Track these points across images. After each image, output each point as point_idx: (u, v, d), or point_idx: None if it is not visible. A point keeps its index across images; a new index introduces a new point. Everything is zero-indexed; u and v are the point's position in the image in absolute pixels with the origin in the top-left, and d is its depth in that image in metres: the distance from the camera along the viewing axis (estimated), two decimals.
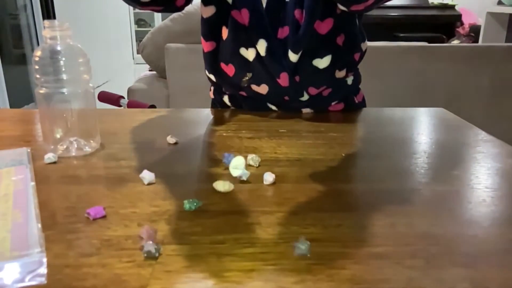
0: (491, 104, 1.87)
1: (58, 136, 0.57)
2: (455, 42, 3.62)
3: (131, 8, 4.88)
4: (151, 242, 0.36)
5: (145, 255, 0.35)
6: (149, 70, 2.01)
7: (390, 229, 0.40)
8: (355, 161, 0.56)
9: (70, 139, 0.57)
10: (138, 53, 4.78)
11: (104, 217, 0.41)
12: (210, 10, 0.76)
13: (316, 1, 0.69)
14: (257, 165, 0.54)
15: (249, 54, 0.74)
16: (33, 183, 0.46)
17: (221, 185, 0.47)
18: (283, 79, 0.74)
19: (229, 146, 0.61)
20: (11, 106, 2.20)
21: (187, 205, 0.43)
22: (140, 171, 0.50)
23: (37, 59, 0.54)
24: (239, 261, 0.35)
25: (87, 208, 0.42)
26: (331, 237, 0.39)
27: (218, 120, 0.75)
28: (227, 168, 0.52)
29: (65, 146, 0.57)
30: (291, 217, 0.42)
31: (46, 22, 0.53)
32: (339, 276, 0.33)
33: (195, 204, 0.43)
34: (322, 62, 0.74)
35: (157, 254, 0.35)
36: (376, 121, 0.77)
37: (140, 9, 0.72)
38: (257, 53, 0.73)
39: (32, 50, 2.54)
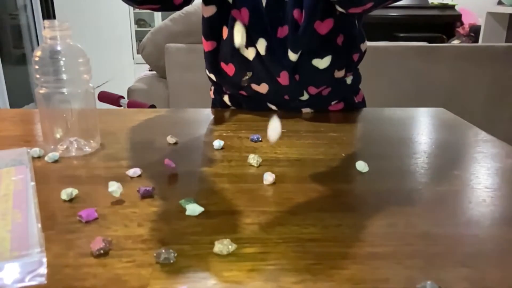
0: (491, 104, 1.86)
1: (58, 136, 0.57)
2: (455, 42, 3.62)
3: (131, 8, 4.88)
4: (166, 249, 0.35)
5: (161, 260, 0.34)
6: (149, 70, 2.01)
7: (390, 229, 0.40)
8: (355, 161, 0.56)
9: (70, 139, 0.57)
10: (138, 53, 4.78)
11: (97, 218, 0.41)
12: (211, 10, 0.76)
13: (316, 1, 0.69)
14: (257, 165, 0.54)
15: (249, 53, 0.74)
16: (33, 183, 0.46)
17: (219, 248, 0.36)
18: (283, 78, 0.74)
19: (229, 146, 0.61)
20: (11, 106, 2.20)
21: (186, 205, 0.43)
22: (140, 171, 0.50)
23: (37, 59, 0.54)
24: (239, 261, 0.35)
25: (87, 208, 0.42)
26: (331, 237, 0.39)
27: (218, 120, 0.75)
28: (227, 168, 0.52)
29: (65, 146, 0.57)
30: (291, 217, 0.42)
31: (46, 22, 0.53)
32: (339, 276, 0.33)
33: (197, 211, 0.42)
34: (322, 63, 0.74)
35: (171, 261, 0.35)
36: (376, 121, 0.77)
37: (137, 7, 0.72)
38: (257, 52, 0.73)
39: (32, 50, 2.54)
